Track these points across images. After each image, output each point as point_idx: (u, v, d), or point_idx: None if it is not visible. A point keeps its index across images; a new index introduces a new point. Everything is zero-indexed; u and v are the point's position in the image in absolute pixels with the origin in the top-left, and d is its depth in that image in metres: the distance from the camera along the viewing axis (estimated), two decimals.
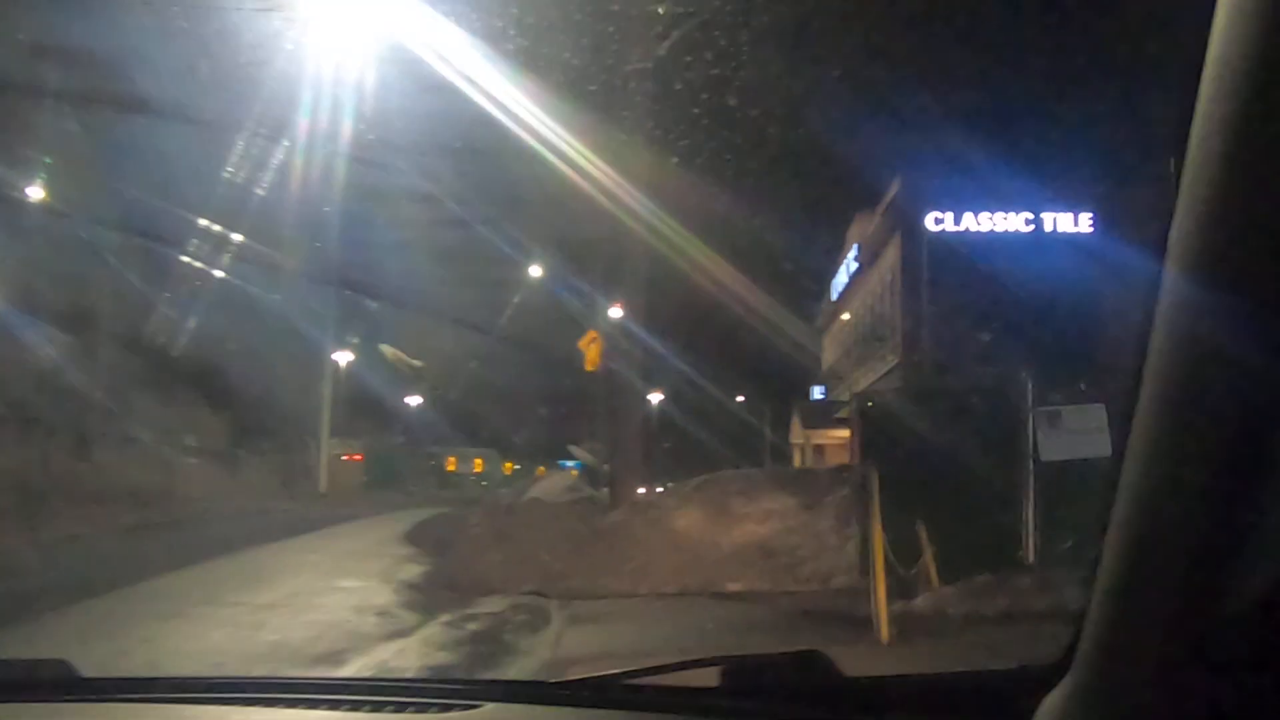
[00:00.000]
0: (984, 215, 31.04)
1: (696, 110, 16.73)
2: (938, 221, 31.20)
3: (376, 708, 1.92)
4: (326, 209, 29.31)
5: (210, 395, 38.36)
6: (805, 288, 44.62)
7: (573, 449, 36.91)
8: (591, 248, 21.23)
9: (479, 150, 20.89)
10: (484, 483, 57.14)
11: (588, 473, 31.43)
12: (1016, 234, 30.43)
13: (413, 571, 12.71)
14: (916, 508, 9.52)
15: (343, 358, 45.48)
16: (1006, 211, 30.61)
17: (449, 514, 22.11)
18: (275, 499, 32.45)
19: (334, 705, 1.96)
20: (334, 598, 10.62)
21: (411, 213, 31.27)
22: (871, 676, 1.98)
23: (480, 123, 15.13)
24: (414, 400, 53.22)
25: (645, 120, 15.98)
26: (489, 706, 1.92)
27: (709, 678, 1.90)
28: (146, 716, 2.03)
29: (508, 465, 64.57)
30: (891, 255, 33.89)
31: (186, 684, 2.28)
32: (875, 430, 11.39)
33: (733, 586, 10.50)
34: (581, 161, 14.89)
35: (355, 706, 1.94)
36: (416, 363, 38.76)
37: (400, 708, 1.93)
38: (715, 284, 26.00)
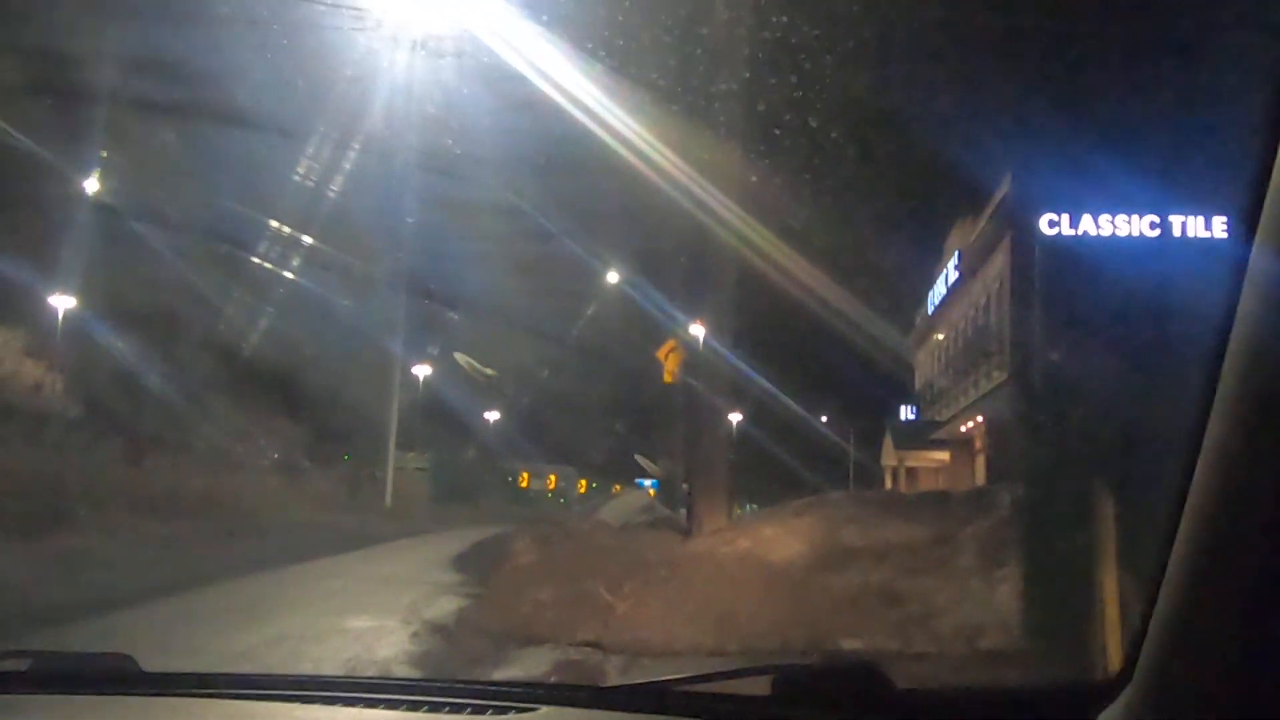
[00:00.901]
0: (1104, 218, 28.31)
1: (787, 118, 16.19)
2: (1052, 224, 28.61)
3: (435, 708, 1.92)
4: (410, 220, 30.50)
5: (281, 403, 38.33)
6: (897, 301, 42.25)
7: (640, 460, 35.75)
8: (675, 261, 20.57)
9: (564, 165, 21.21)
10: (561, 500, 56.14)
11: (664, 491, 29.91)
12: (1141, 239, 27.61)
13: (446, 608, 10.44)
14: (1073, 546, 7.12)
15: (421, 370, 45.03)
16: (1129, 214, 27.94)
17: (510, 534, 20.20)
18: (336, 512, 31.25)
19: (393, 705, 1.95)
20: (327, 645, 8.38)
21: (494, 226, 31.39)
22: (925, 688, 2.15)
23: (567, 138, 15.81)
24: (490, 414, 52.39)
25: (735, 128, 15.22)
26: (545, 710, 1.90)
27: (761, 686, 1.88)
28: (207, 712, 1.99)
29: (583, 483, 63.14)
30: (999, 262, 31.30)
31: (247, 680, 2.23)
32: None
33: (849, 644, 7.89)
34: (671, 169, 14.61)
35: (414, 707, 1.94)
36: (490, 372, 38.36)
37: (457, 709, 1.92)
38: (801, 298, 25.02)
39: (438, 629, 9.15)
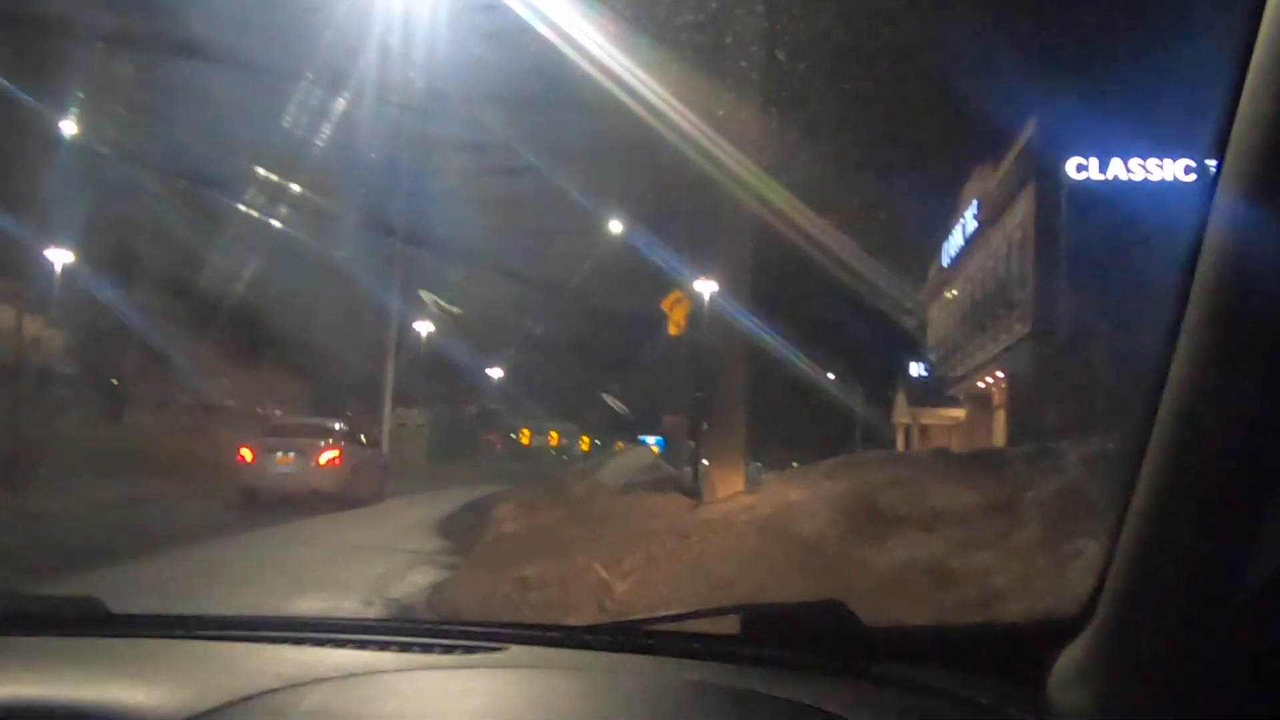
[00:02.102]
0: (1135, 161, 26.82)
1: (796, 59, 15.22)
2: (1080, 169, 27.15)
3: (404, 648, 1.95)
4: (410, 169, 29.67)
5: (277, 360, 36.83)
6: (910, 254, 40.74)
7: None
8: (678, 210, 19.83)
9: (566, 104, 19.84)
10: (564, 457, 55.80)
11: (670, 448, 28.83)
12: (1175, 183, 26.14)
13: (418, 584, 9.01)
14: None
15: (423, 327, 43.74)
16: (1163, 157, 26.43)
17: (503, 494, 18.97)
18: None
19: (362, 645, 1.97)
20: None
21: (494, 174, 29.86)
22: (893, 626, 2.02)
23: (572, 80, 14.77)
24: (493, 371, 51.78)
25: (740, 68, 14.40)
26: (514, 649, 1.95)
27: (730, 625, 1.92)
28: (174, 652, 1.98)
29: (585, 439, 62.65)
30: (1022, 209, 29.86)
31: (215, 622, 2.21)
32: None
33: None
34: (670, 113, 13.96)
35: (383, 646, 1.96)
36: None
37: (427, 648, 1.94)
38: (807, 250, 23.11)
39: (403, 612, 7.74)
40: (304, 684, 1.68)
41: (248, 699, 1.60)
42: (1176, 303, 1.24)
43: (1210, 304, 1.20)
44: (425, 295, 35.30)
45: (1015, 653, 1.65)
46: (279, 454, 17.74)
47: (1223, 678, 1.22)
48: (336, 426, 19.51)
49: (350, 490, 17.75)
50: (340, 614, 7.07)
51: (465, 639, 2.00)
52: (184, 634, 2.11)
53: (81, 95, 26.06)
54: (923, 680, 1.69)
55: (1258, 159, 1.15)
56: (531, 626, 2.38)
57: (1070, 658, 1.49)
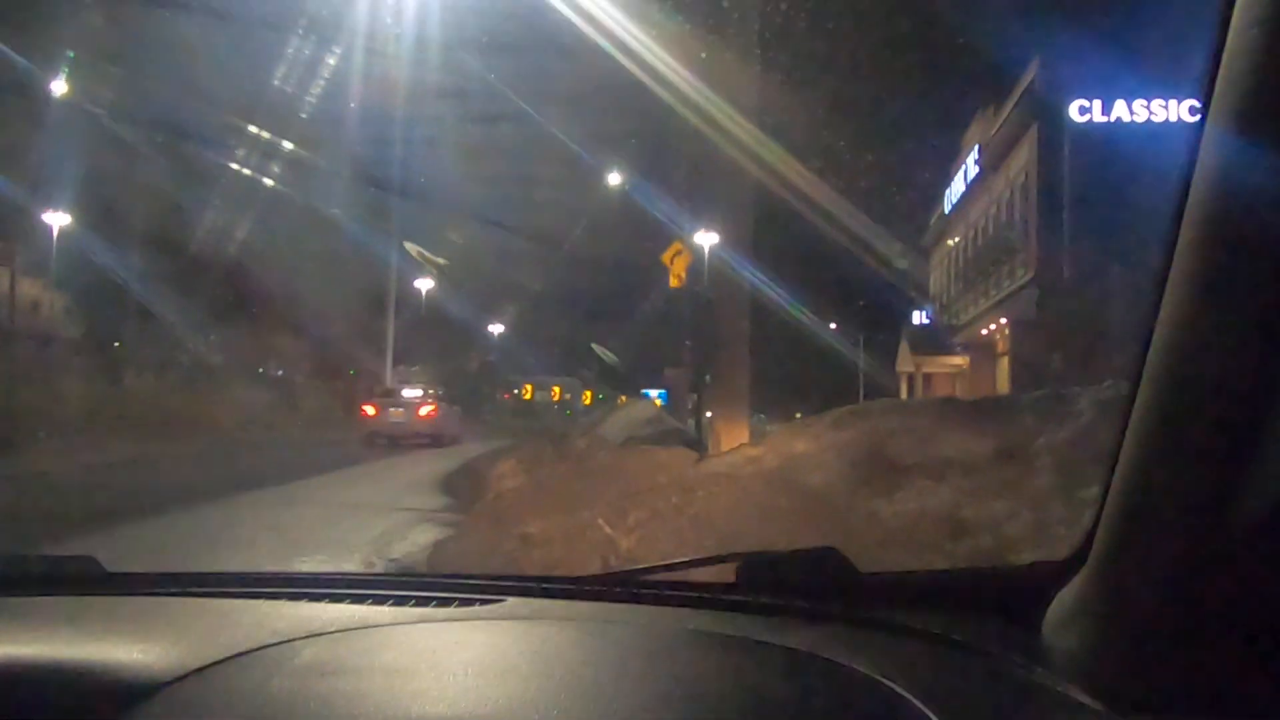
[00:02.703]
0: (1139, 103, 26.49)
1: (793, 3, 15.52)
2: (1083, 111, 26.84)
3: (400, 601, 1.96)
4: (409, 124, 29.61)
5: (279, 319, 36.59)
6: (912, 201, 40.44)
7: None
8: (679, 161, 20.01)
9: (559, 53, 20.54)
10: (567, 411, 55.76)
11: (673, 402, 28.70)
12: (1180, 124, 25.81)
13: (419, 542, 8.83)
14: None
15: (423, 285, 43.69)
16: (1167, 98, 26.07)
17: (506, 449, 18.89)
18: (329, 429, 29.73)
19: (359, 599, 1.98)
20: None
21: (492, 128, 30.46)
22: (887, 571, 2.07)
23: (566, 30, 14.77)
24: (494, 328, 51.80)
25: (736, 13, 14.34)
26: (511, 601, 1.97)
27: (727, 573, 1.96)
28: (171, 609, 2.01)
29: (588, 394, 62.60)
30: (1024, 153, 29.60)
31: (211, 579, 2.26)
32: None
33: None
34: (667, 64, 13.87)
35: (380, 600, 1.97)
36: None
37: (423, 602, 1.96)
38: (807, 198, 23.28)
39: (403, 572, 7.61)
40: (300, 638, 1.70)
41: (244, 654, 1.62)
42: (1167, 242, 1.25)
43: (1198, 242, 1.21)
44: (410, 247, 35.15)
45: (1009, 597, 1.70)
46: (392, 409, 24.97)
47: (1211, 619, 1.24)
48: (429, 391, 26.48)
49: (439, 433, 25.01)
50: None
51: (462, 592, 2.02)
52: (180, 591, 2.14)
53: (72, 55, 25.80)
54: (917, 624, 1.72)
55: (1242, 93, 1.15)
56: (528, 578, 2.42)
57: (1063, 601, 1.53)
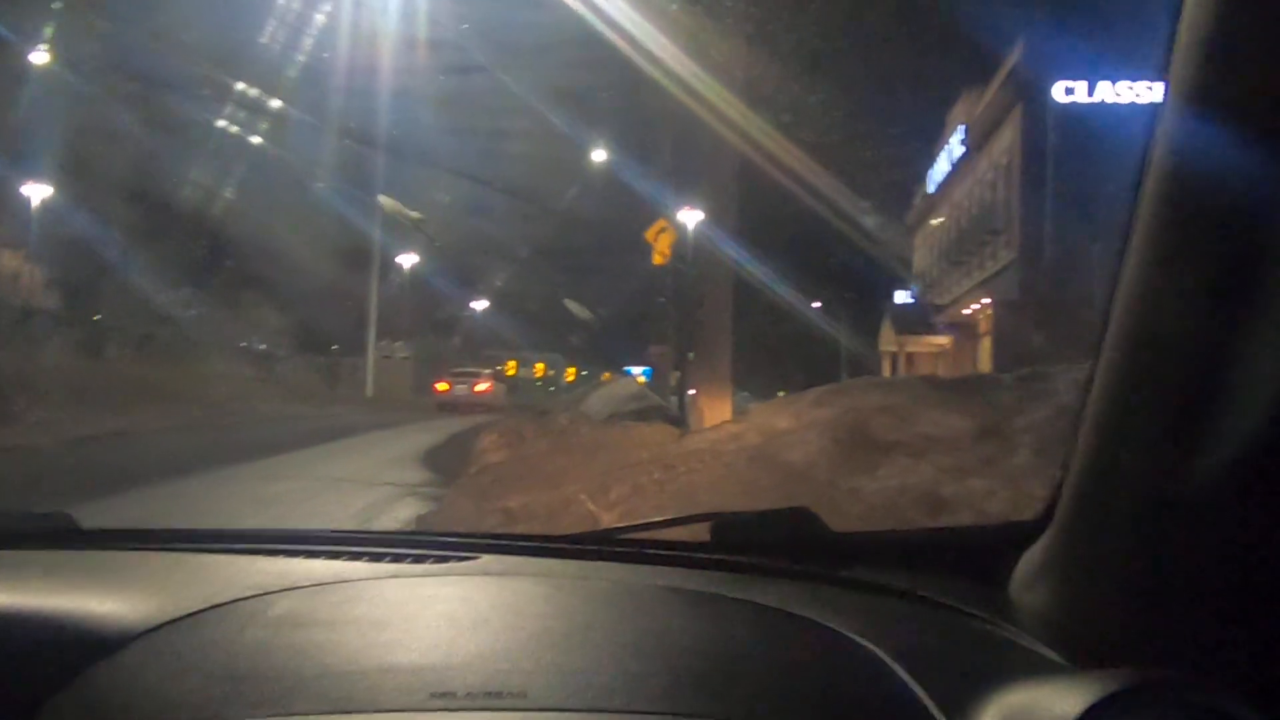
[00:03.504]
0: (1123, 84, 26.52)
1: None
2: (1068, 91, 26.87)
3: (375, 558, 1.95)
4: (394, 91, 29.43)
5: (262, 292, 36.31)
6: (895, 181, 40.32)
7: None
8: (664, 138, 19.77)
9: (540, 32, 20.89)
10: (551, 388, 55.70)
11: (657, 379, 28.73)
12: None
13: (400, 517, 8.81)
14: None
15: (407, 259, 43.58)
16: (1151, 80, 26.10)
17: (489, 425, 18.88)
18: (313, 403, 29.74)
19: (334, 555, 1.98)
20: None
21: (477, 98, 29.90)
22: (859, 532, 2.29)
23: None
24: (478, 304, 51.72)
25: None
26: (485, 558, 1.96)
27: (701, 534, 1.98)
28: (146, 563, 1.99)
29: (571, 370, 62.55)
30: (1008, 134, 29.64)
31: (186, 535, 2.26)
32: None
33: None
34: (651, 42, 13.71)
35: (355, 557, 1.97)
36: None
37: (398, 558, 1.95)
38: (789, 176, 22.90)
39: (379, 530, 7.61)
40: (274, 592, 1.69)
41: (218, 606, 1.62)
42: (1128, 213, 1.27)
43: (1154, 212, 1.23)
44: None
45: (977, 556, 1.73)
46: (459, 385, 34.46)
47: (1173, 574, 1.26)
48: (486, 370, 37.98)
49: (494, 402, 33.25)
50: None
51: (437, 549, 2.02)
52: (156, 546, 2.11)
53: (50, 30, 25.52)
54: (887, 582, 1.75)
55: (1194, 67, 1.17)
56: (502, 536, 2.41)
57: (1029, 560, 1.57)
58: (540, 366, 61.92)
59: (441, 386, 34.73)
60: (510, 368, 59.43)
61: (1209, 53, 1.15)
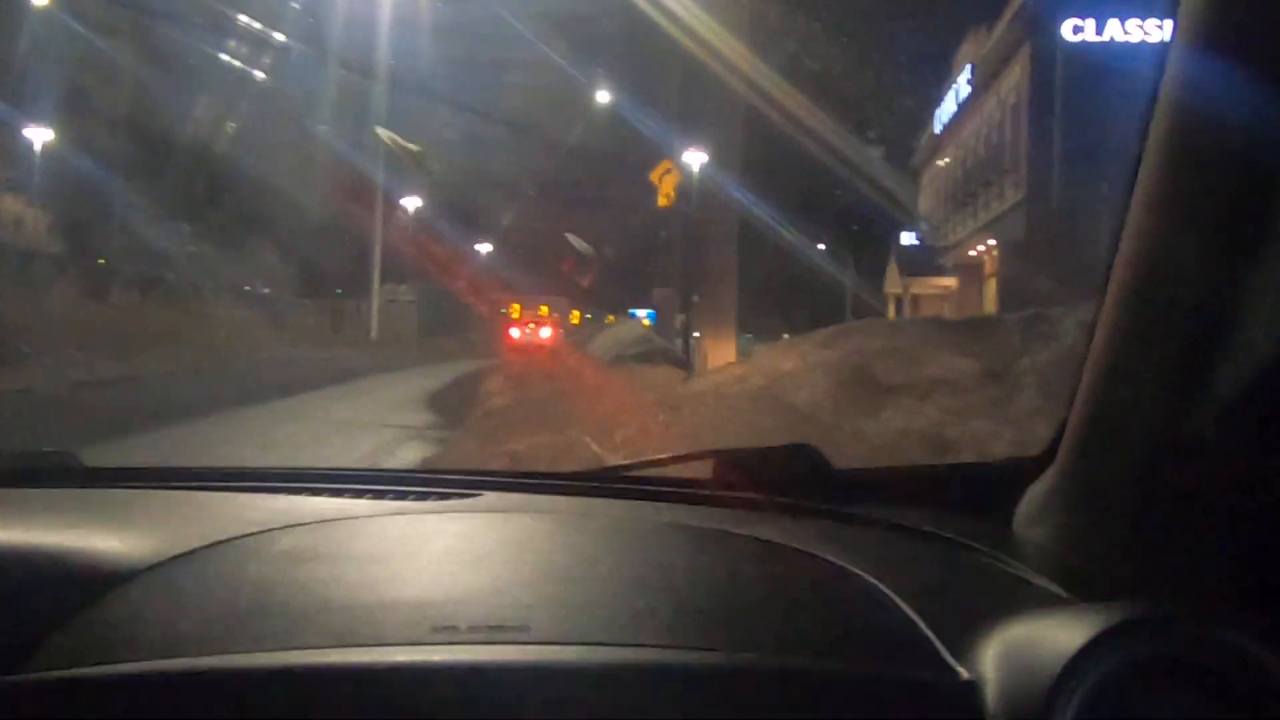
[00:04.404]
0: (1133, 22, 26.19)
1: None
2: (1076, 30, 26.54)
3: (378, 495, 1.97)
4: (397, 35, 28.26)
5: (267, 236, 36.29)
6: (901, 121, 40.00)
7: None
8: (665, 72, 19.19)
9: None
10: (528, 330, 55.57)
11: (662, 322, 28.72)
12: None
13: (406, 459, 8.86)
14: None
15: (410, 203, 43.37)
16: (1162, 17, 25.77)
17: (493, 367, 18.91)
18: (318, 346, 29.80)
19: (337, 493, 1.99)
20: None
21: (480, 33, 28.75)
22: (860, 469, 2.28)
23: None
24: (482, 247, 51.52)
25: None
26: (489, 495, 1.98)
27: (704, 470, 1.99)
28: (149, 501, 1.99)
29: (576, 313, 62.42)
30: (1016, 73, 29.30)
31: (188, 473, 2.25)
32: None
33: None
34: None
35: (358, 494, 1.98)
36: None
37: (401, 495, 1.97)
38: (793, 114, 22.80)
39: (382, 469, 7.66)
40: (276, 528, 1.70)
41: (220, 543, 1.62)
42: (1135, 155, 1.27)
43: (1161, 154, 1.23)
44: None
45: (981, 491, 1.75)
46: (526, 331, 36.55)
47: (1173, 512, 1.28)
48: (547, 315, 41.46)
49: (554, 343, 32.89)
50: None
51: (440, 487, 2.03)
52: (160, 485, 2.12)
53: None
54: (889, 518, 1.76)
55: (1202, 8, 1.16)
56: (505, 474, 2.42)
57: (1033, 495, 1.58)
58: (544, 309, 61.91)
59: (511, 333, 37.13)
60: (514, 310, 59.47)
61: None
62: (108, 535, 1.63)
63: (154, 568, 1.52)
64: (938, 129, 39.46)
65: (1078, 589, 1.36)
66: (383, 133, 32.73)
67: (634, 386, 11.03)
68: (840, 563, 1.51)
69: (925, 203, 44.71)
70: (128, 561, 1.53)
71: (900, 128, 40.83)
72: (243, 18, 25.91)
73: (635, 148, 23.61)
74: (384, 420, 11.78)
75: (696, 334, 17.02)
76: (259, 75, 28.54)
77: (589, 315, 60.06)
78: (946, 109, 37.68)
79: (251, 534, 1.66)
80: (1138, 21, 26.09)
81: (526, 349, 31.58)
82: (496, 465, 7.81)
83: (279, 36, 27.03)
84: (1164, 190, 1.24)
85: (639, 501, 1.97)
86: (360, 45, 30.19)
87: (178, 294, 32.28)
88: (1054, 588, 1.40)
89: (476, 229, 50.19)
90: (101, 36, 28.26)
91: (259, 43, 26.86)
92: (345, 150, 35.79)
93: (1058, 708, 1.05)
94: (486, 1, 25.21)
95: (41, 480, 2.10)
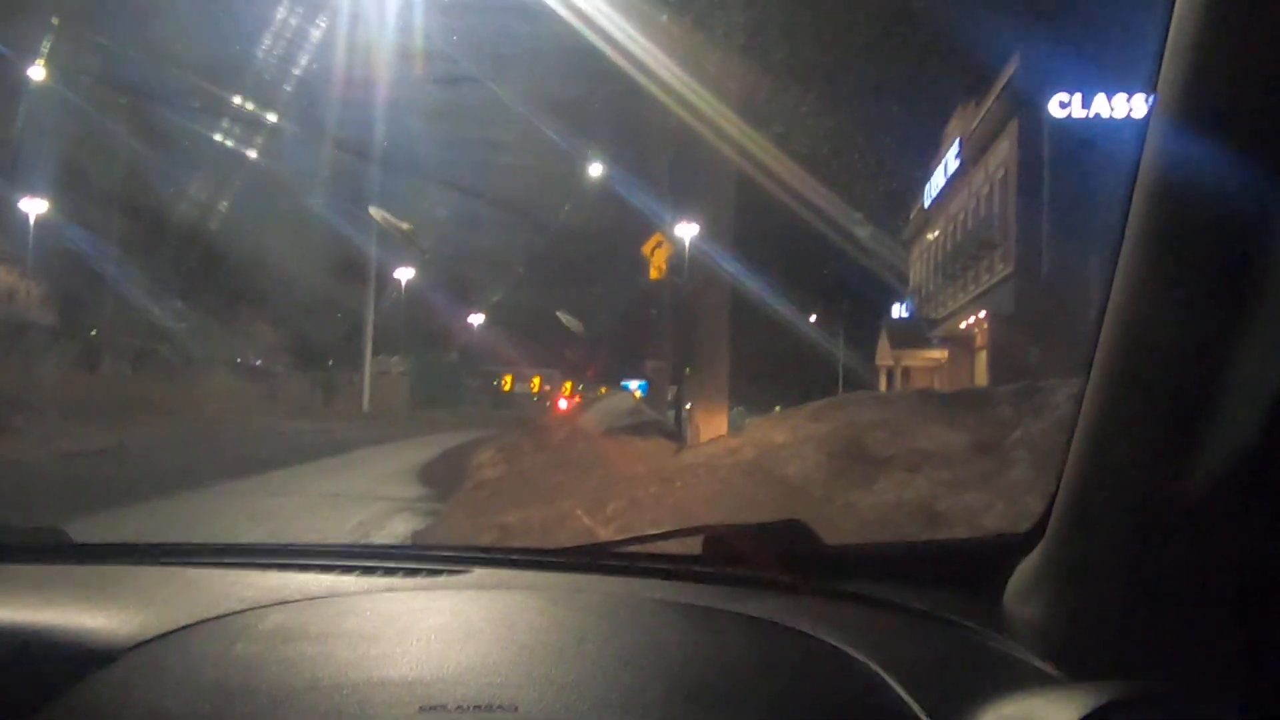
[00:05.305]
0: (1119, 98, 26.58)
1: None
2: (1063, 105, 26.94)
3: (367, 572, 1.97)
4: (390, 113, 28.56)
5: (259, 308, 36.23)
6: (890, 196, 40.35)
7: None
8: (656, 149, 19.59)
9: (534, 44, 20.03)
10: (546, 403, 55.49)
11: (654, 394, 28.71)
12: None
13: (397, 531, 8.75)
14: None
15: (403, 274, 43.50)
16: (1148, 94, 26.10)
17: (485, 440, 18.84)
18: (309, 418, 29.62)
19: (326, 569, 1.98)
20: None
21: (471, 112, 29.17)
22: (851, 544, 2.10)
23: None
24: (475, 319, 51.75)
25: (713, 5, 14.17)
26: (478, 572, 1.98)
27: (693, 547, 2.00)
28: (137, 578, 1.98)
29: (568, 385, 62.42)
30: (1004, 148, 29.70)
31: (178, 549, 2.25)
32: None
33: None
34: (647, 57, 13.66)
35: (347, 570, 1.98)
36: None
37: (390, 572, 1.97)
38: (785, 190, 22.79)
39: (370, 544, 7.58)
40: (265, 606, 1.69)
41: (208, 620, 1.61)
42: (1119, 227, 1.29)
43: (1144, 226, 1.25)
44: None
45: (971, 568, 1.73)
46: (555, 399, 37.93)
47: (1165, 587, 1.27)
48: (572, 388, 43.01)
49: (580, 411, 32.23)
50: None
51: (429, 563, 2.03)
52: (147, 560, 2.11)
53: (48, 44, 25.53)
54: (880, 595, 1.74)
55: (1182, 82, 1.19)
56: (495, 549, 2.51)
57: (1023, 571, 1.57)
58: (536, 381, 61.97)
59: (562, 404, 37.56)
60: (506, 383, 59.49)
61: (1196, 64, 1.17)
62: (95, 612, 1.62)
63: (140, 645, 1.51)
64: (927, 202, 39.86)
65: (1069, 666, 1.35)
66: (375, 211, 32.94)
67: (626, 458, 10.98)
68: (831, 641, 1.50)
69: (916, 275, 44.99)
70: (114, 639, 1.52)
71: (890, 201, 41.12)
72: (237, 98, 26.23)
73: (627, 222, 23.71)
74: (375, 493, 11.69)
75: (688, 405, 17.02)
76: (253, 155, 28.78)
77: (581, 387, 60.10)
78: (936, 183, 38.08)
79: (240, 611, 1.65)
80: (1124, 97, 26.48)
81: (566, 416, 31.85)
82: (487, 538, 7.75)
83: (272, 117, 27.31)
84: (1145, 264, 1.25)
85: (629, 578, 1.95)
86: (354, 125, 30.56)
87: (170, 365, 32.28)
88: (1045, 665, 1.39)
89: (468, 303, 50.49)
90: (98, 113, 28.56)
91: (253, 122, 27.16)
92: (338, 226, 36.00)
93: None
94: (478, 84, 25.35)
95: (29, 556, 2.09)
